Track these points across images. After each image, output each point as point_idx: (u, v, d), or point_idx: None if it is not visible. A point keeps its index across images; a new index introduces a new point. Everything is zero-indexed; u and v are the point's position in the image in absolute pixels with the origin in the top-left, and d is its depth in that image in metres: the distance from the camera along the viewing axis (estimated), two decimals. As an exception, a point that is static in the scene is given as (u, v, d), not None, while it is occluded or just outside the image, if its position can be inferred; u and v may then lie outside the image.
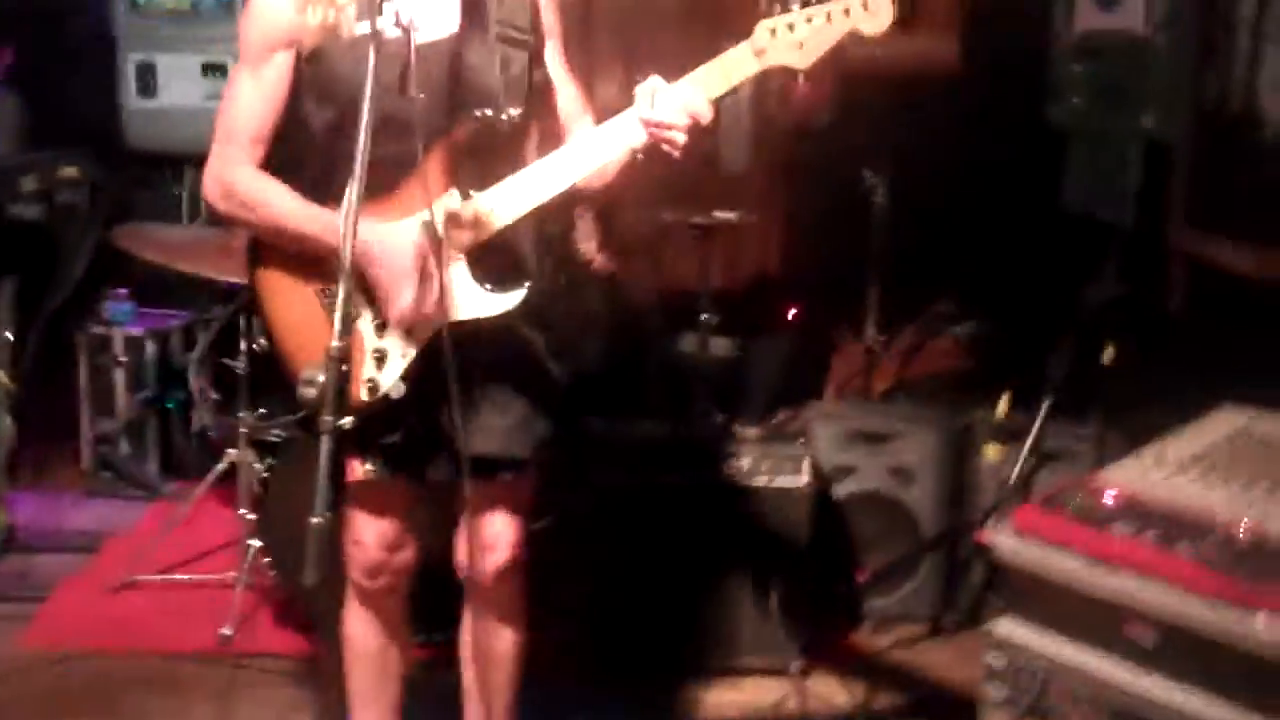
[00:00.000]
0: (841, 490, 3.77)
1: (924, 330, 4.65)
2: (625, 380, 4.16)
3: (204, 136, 4.81)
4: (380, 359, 2.39)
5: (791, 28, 2.25)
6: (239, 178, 2.44)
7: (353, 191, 1.96)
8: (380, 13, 2.06)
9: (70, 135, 4.70)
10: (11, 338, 3.60)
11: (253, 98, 2.43)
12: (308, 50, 2.38)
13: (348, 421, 1.94)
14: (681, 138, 2.31)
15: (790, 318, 4.66)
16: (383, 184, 2.24)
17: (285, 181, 2.42)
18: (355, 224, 1.95)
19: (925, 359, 4.63)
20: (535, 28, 2.49)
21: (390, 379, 2.39)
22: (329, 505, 1.86)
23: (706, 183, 4.37)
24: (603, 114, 2.46)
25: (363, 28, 2.01)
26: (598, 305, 4.04)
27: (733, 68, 2.30)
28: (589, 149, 2.36)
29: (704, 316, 3.87)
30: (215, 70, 4.83)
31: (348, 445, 2.37)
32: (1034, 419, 3.68)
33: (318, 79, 2.39)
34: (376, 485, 2.54)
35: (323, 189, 2.36)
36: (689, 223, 3.91)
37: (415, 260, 2.31)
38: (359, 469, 2.52)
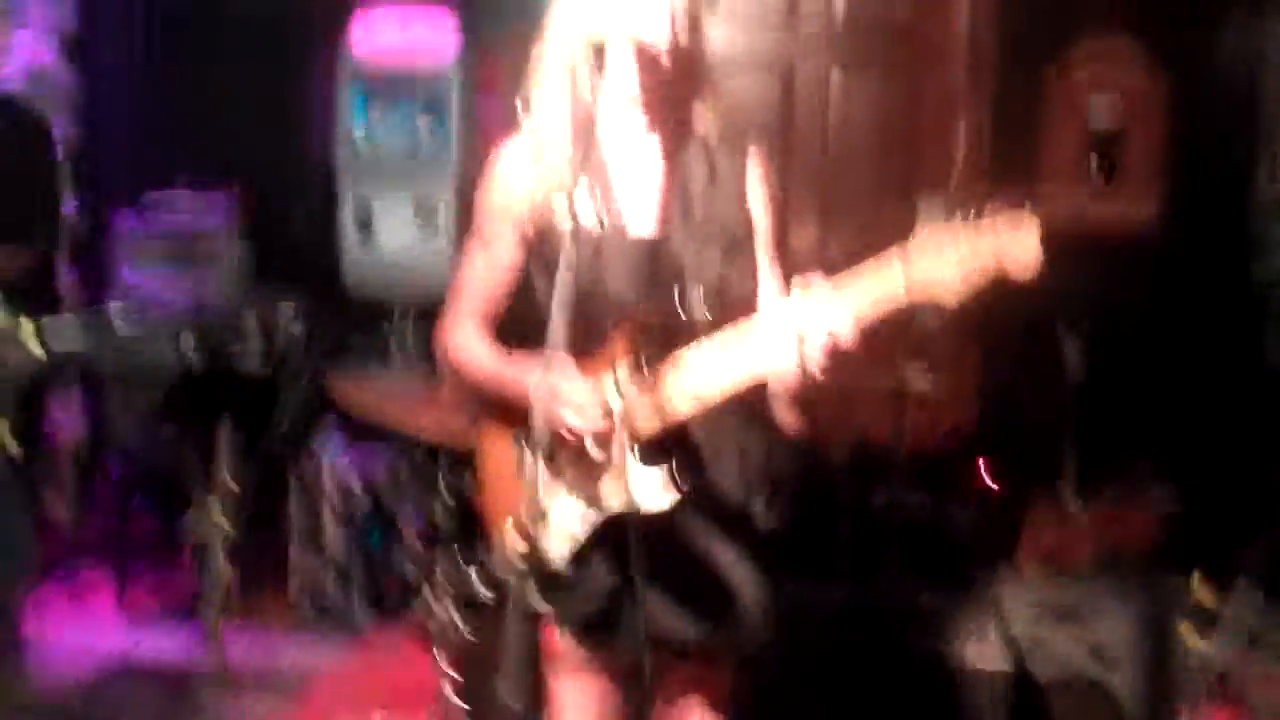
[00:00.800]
0: (1036, 667, 3.66)
1: (1122, 497, 4.55)
2: (814, 541, 4.16)
3: (416, 276, 5.05)
4: (555, 530, 2.45)
5: (946, 237, 2.21)
6: (460, 337, 2.64)
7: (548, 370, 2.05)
8: (581, 206, 2.15)
9: (291, 274, 4.96)
10: (235, 487, 3.78)
11: (482, 266, 2.62)
12: (534, 227, 2.51)
13: (536, 599, 2.02)
14: (817, 357, 2.26)
15: (983, 479, 4.61)
16: (580, 359, 2.34)
17: (511, 347, 2.56)
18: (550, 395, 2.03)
19: (1123, 527, 4.52)
20: (743, 224, 2.53)
21: (559, 551, 2.45)
22: (521, 689, 1.94)
23: (899, 340, 4.38)
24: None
25: (564, 220, 2.12)
26: (787, 466, 4.06)
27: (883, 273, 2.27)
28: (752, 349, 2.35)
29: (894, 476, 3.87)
30: (428, 213, 5.04)
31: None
32: (1238, 597, 3.56)
33: (540, 255, 2.52)
34: (574, 658, 2.59)
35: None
36: (881, 382, 3.93)
37: (592, 410, 2.36)
38: (555, 638, 2.59)
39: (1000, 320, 4.84)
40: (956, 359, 4.74)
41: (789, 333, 2.25)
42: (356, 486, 4.76)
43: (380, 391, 4.10)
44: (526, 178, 2.51)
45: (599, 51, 2.24)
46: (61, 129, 5.34)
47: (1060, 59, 5.03)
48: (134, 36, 5.47)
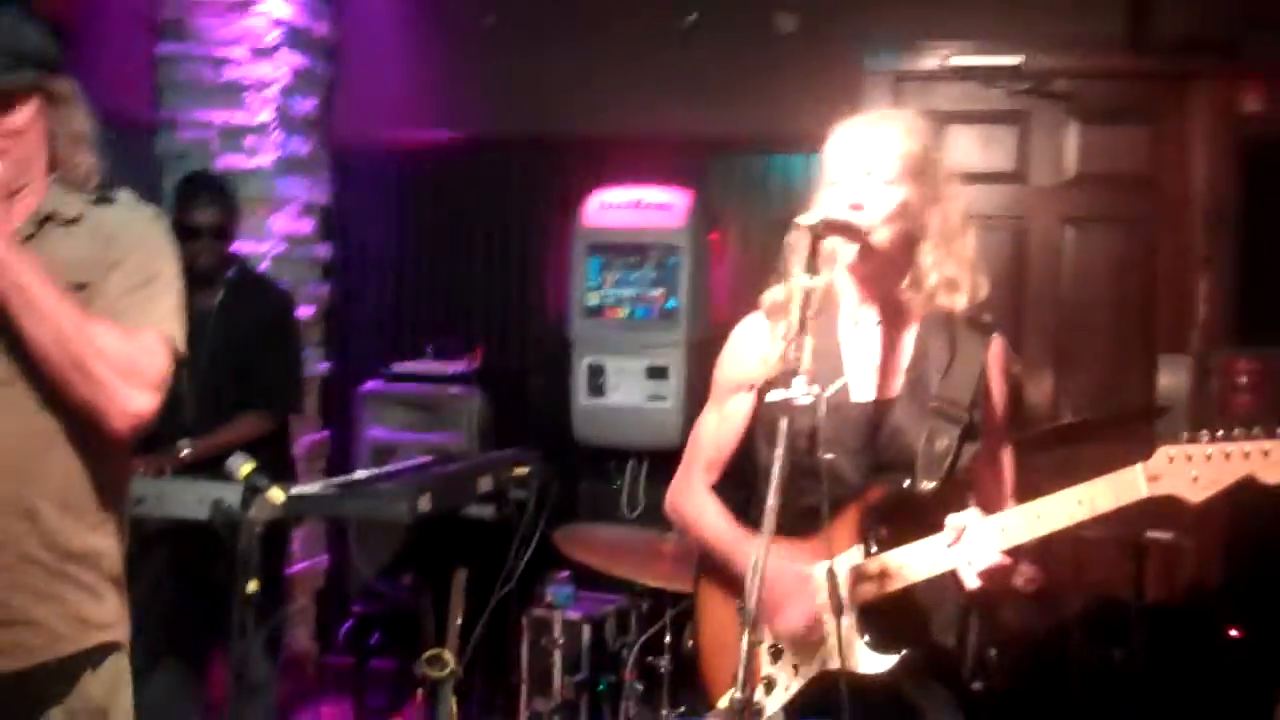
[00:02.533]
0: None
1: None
2: (1050, 698, 4.02)
3: (645, 433, 5.15)
4: (769, 685, 2.51)
5: (1190, 459, 2.24)
6: (688, 497, 2.77)
7: (763, 540, 2.09)
8: (791, 382, 2.21)
9: (527, 430, 5.13)
10: (460, 623, 3.88)
11: (715, 429, 2.74)
12: (761, 400, 2.59)
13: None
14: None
15: (1228, 639, 4.39)
16: (802, 528, 2.42)
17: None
18: (763, 569, 2.07)
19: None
20: (978, 404, 2.54)
21: (774, 707, 2.46)
22: None
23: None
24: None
25: (777, 394, 2.18)
26: (1022, 620, 3.97)
27: (1124, 489, 2.30)
28: (1010, 527, 2.39)
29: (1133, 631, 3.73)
30: (658, 373, 5.18)
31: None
32: None
33: (765, 422, 2.59)
34: None
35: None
36: (1121, 540, 3.82)
37: (805, 599, 2.45)
38: None
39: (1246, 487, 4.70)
40: (1200, 519, 4.56)
41: (989, 552, 2.34)
42: (585, 631, 4.82)
43: (608, 542, 4.18)
44: (760, 351, 2.60)
45: (818, 235, 2.32)
46: (315, 300, 5.70)
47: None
48: (388, 211, 5.81)
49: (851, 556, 2.47)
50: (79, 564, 2.36)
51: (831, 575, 2.37)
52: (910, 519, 2.47)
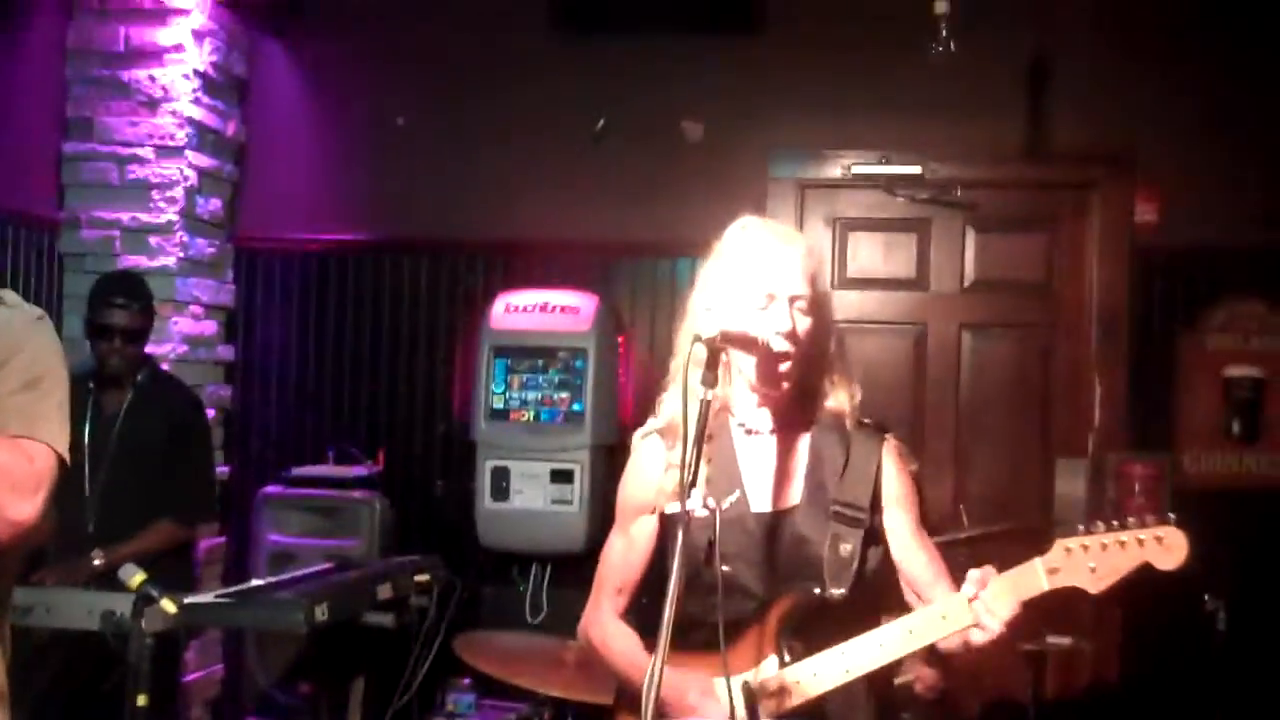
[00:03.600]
0: None
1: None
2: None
3: (549, 538, 5.13)
4: None
5: (1087, 549, 2.30)
6: (597, 625, 2.73)
7: (657, 656, 2.08)
8: (689, 495, 2.22)
9: (430, 534, 5.08)
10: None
11: (622, 553, 2.73)
12: (661, 515, 2.61)
13: None
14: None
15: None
16: (711, 642, 2.36)
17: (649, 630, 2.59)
18: (657, 686, 2.06)
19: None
20: (877, 506, 2.56)
21: None
22: None
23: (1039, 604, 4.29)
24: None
25: (673, 507, 2.19)
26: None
27: (1024, 585, 2.34)
28: (918, 629, 2.41)
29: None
30: (563, 477, 5.16)
31: None
32: None
33: (670, 540, 2.55)
34: None
35: (676, 639, 2.45)
36: (1020, 647, 3.85)
37: (712, 713, 2.41)
38: None
39: (1143, 582, 4.77)
40: (1098, 623, 4.62)
41: (961, 623, 2.35)
42: (487, 744, 4.76)
43: (510, 650, 4.14)
44: (659, 472, 2.62)
45: (714, 349, 2.33)
46: (216, 402, 5.63)
47: (1197, 322, 5.04)
48: (291, 312, 5.78)
49: (766, 669, 2.46)
50: None
51: (735, 690, 2.35)
52: (821, 628, 2.46)
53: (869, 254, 5.47)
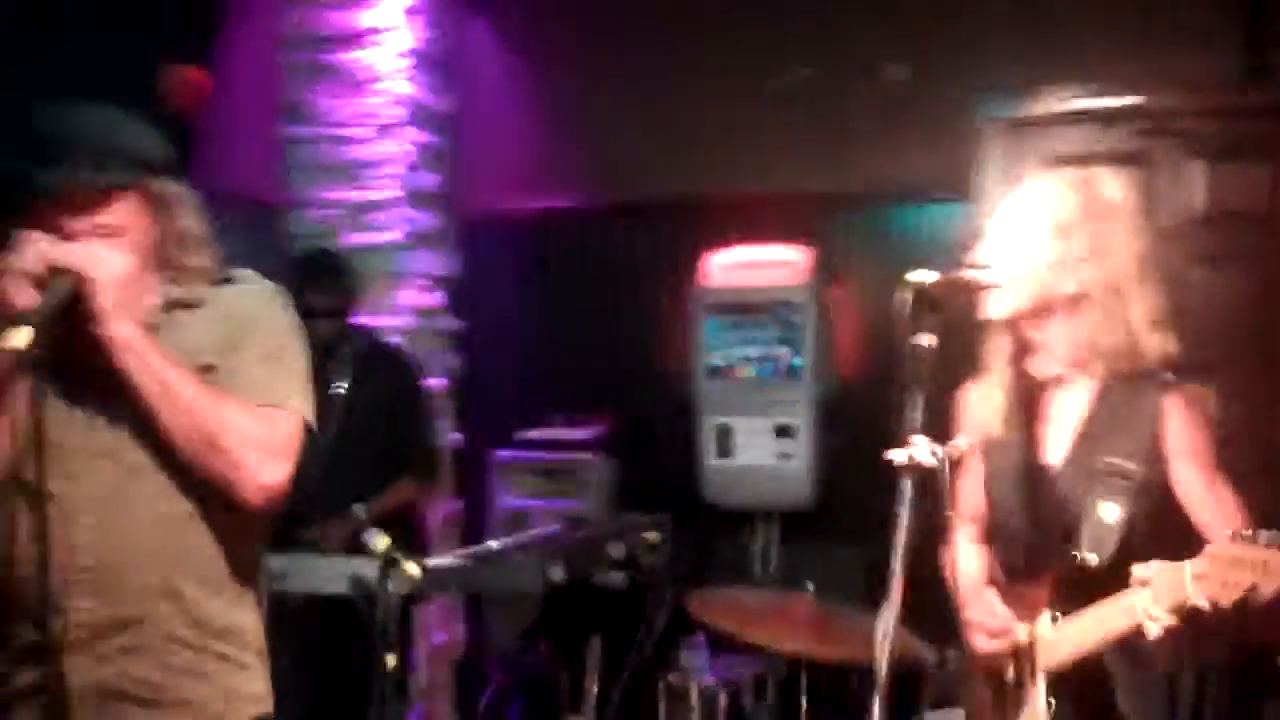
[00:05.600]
0: None
1: None
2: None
3: (774, 493, 5.13)
4: None
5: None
6: (952, 544, 2.75)
7: (890, 605, 2.08)
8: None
9: (655, 495, 5.14)
10: (596, 690, 3.90)
11: (970, 489, 2.79)
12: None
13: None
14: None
15: None
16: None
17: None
18: (892, 638, 2.06)
19: None
20: (1155, 458, 2.47)
21: None
22: None
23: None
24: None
25: (898, 455, 2.17)
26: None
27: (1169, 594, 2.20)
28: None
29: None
30: (785, 432, 5.16)
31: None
32: None
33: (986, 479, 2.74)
34: None
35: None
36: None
37: (997, 639, 2.53)
38: None
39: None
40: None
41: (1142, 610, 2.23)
42: (722, 697, 4.79)
43: (742, 605, 4.16)
44: (980, 414, 2.69)
45: (926, 294, 2.32)
46: (446, 371, 5.79)
47: None
48: (513, 281, 5.90)
49: (1041, 624, 2.48)
50: (225, 640, 2.41)
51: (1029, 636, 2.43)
52: (1082, 594, 2.42)
53: (1087, 191, 5.29)
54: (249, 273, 2.51)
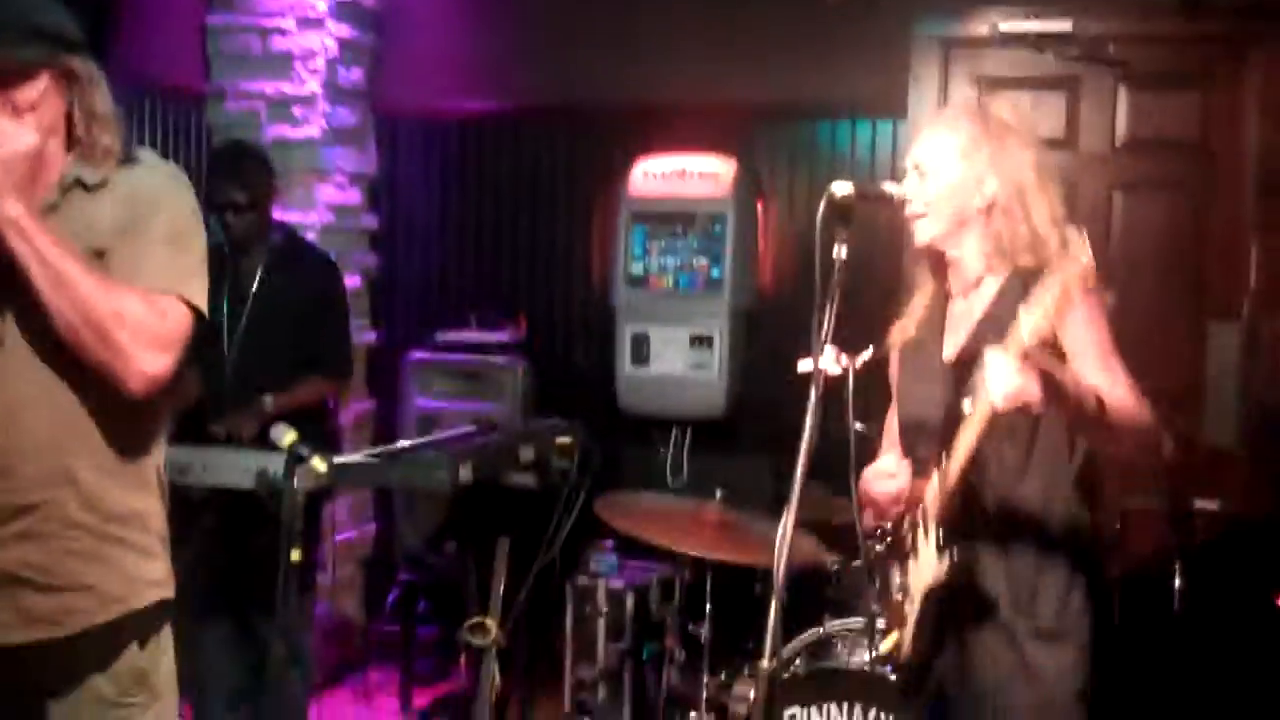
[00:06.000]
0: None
1: None
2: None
3: (688, 402, 5.17)
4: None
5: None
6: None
7: (789, 508, 2.11)
8: (821, 353, 2.25)
9: (570, 400, 5.16)
10: (503, 591, 3.92)
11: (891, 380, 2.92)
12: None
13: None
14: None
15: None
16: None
17: None
18: (788, 541, 2.08)
19: None
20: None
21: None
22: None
23: (1186, 467, 4.20)
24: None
25: (805, 365, 2.21)
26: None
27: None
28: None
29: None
30: (702, 342, 5.18)
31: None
32: None
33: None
34: None
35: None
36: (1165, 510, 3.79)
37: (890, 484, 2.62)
38: None
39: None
40: (1249, 487, 4.53)
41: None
42: (629, 599, 4.85)
43: (650, 510, 4.20)
44: (902, 324, 2.81)
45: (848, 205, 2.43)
46: (362, 269, 5.74)
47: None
48: (433, 181, 5.84)
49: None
50: (125, 525, 2.40)
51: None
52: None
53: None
54: (151, 154, 2.47)
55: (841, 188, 2.41)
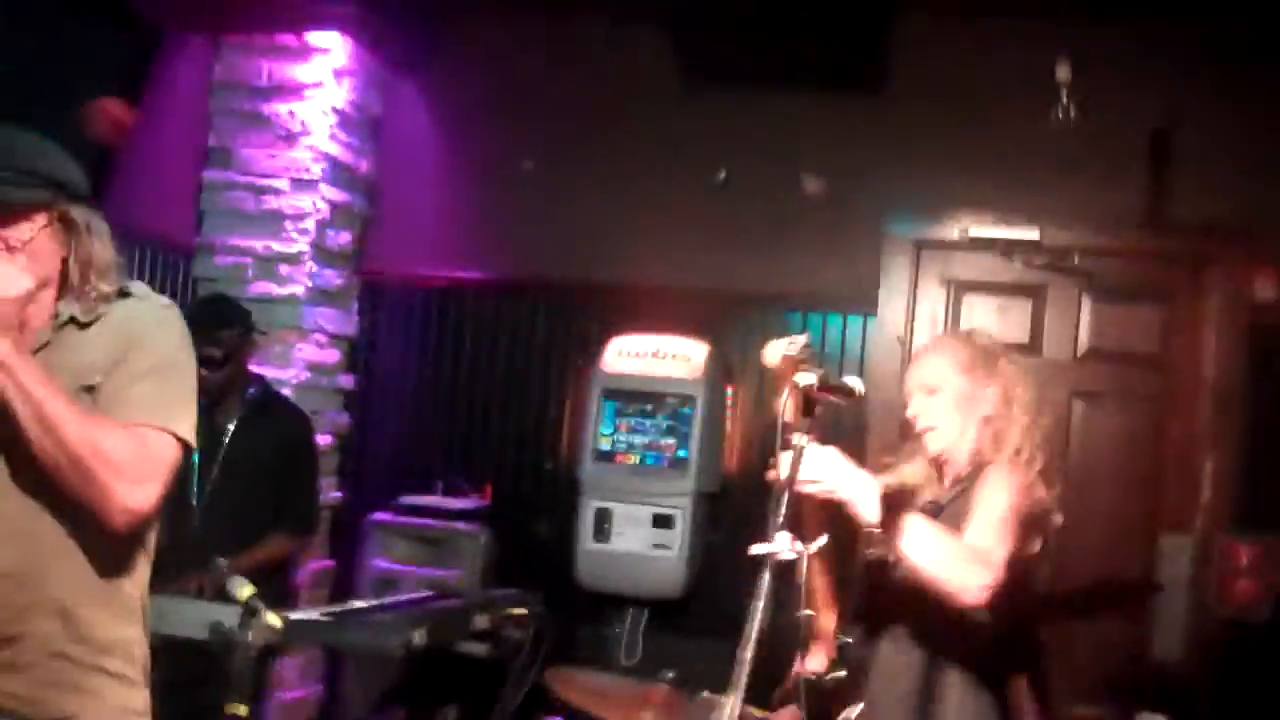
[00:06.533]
0: None
1: None
2: None
3: (648, 581, 5.17)
4: None
5: None
6: None
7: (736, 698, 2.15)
8: (774, 539, 2.33)
9: (530, 571, 5.16)
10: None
11: None
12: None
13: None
14: None
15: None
16: None
17: None
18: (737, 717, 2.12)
19: None
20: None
21: None
22: None
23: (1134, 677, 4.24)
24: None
25: (760, 548, 2.29)
26: None
27: None
28: None
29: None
30: (664, 522, 5.22)
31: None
32: None
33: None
34: None
35: None
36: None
37: None
38: None
39: (1240, 657, 4.67)
40: (1195, 699, 4.53)
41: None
42: (572, 778, 4.79)
43: (599, 687, 4.18)
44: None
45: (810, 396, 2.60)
46: (334, 428, 5.79)
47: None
48: (411, 346, 5.93)
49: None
50: (110, 654, 2.41)
51: None
52: None
53: (983, 317, 5.43)
54: (142, 286, 2.52)
55: (805, 378, 2.49)
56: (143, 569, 2.52)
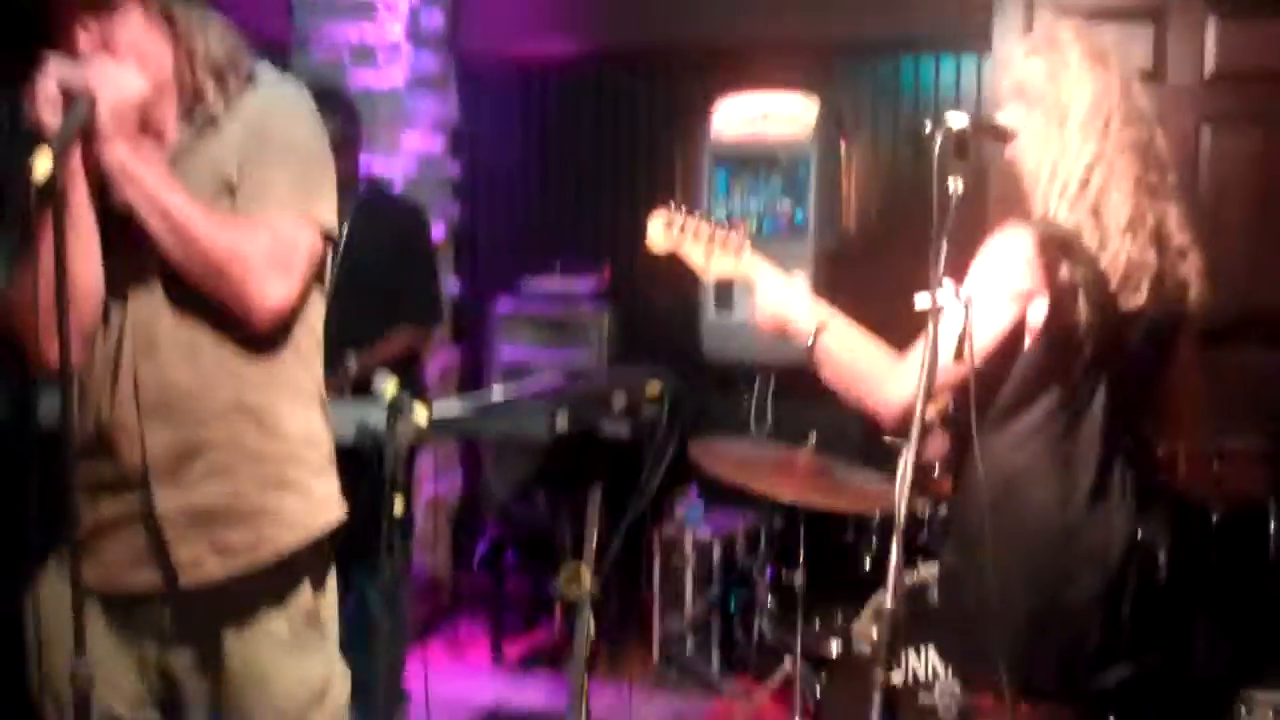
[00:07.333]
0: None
1: None
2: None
3: (773, 348, 5.13)
4: None
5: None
6: None
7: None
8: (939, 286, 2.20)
9: (653, 347, 5.14)
10: (603, 549, 3.92)
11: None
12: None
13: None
14: None
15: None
16: None
17: None
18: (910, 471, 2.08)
19: None
20: None
21: None
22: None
23: None
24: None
25: (923, 300, 2.17)
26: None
27: None
28: None
29: None
30: (786, 285, 5.13)
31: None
32: None
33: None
34: None
35: None
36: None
37: None
38: None
39: None
40: None
41: None
42: (716, 549, 4.85)
43: (742, 456, 4.19)
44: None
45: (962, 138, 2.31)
46: (446, 218, 5.74)
47: None
48: (514, 128, 5.82)
49: None
50: (305, 445, 2.40)
51: None
52: None
53: (1103, 45, 5.18)
54: (270, 71, 2.40)
55: (958, 119, 2.30)
56: (314, 357, 2.48)
